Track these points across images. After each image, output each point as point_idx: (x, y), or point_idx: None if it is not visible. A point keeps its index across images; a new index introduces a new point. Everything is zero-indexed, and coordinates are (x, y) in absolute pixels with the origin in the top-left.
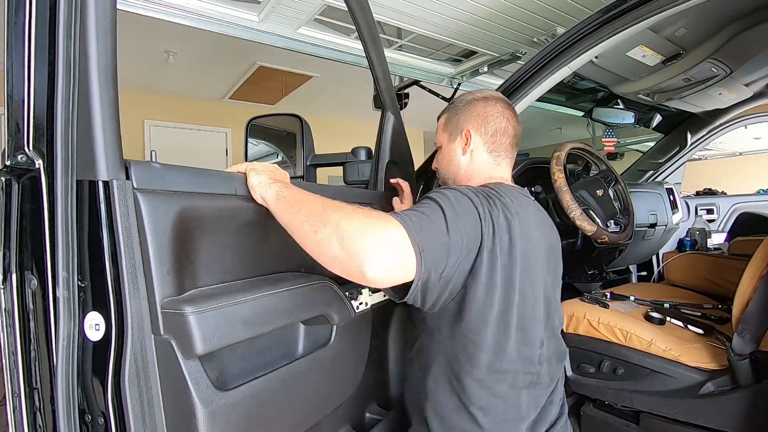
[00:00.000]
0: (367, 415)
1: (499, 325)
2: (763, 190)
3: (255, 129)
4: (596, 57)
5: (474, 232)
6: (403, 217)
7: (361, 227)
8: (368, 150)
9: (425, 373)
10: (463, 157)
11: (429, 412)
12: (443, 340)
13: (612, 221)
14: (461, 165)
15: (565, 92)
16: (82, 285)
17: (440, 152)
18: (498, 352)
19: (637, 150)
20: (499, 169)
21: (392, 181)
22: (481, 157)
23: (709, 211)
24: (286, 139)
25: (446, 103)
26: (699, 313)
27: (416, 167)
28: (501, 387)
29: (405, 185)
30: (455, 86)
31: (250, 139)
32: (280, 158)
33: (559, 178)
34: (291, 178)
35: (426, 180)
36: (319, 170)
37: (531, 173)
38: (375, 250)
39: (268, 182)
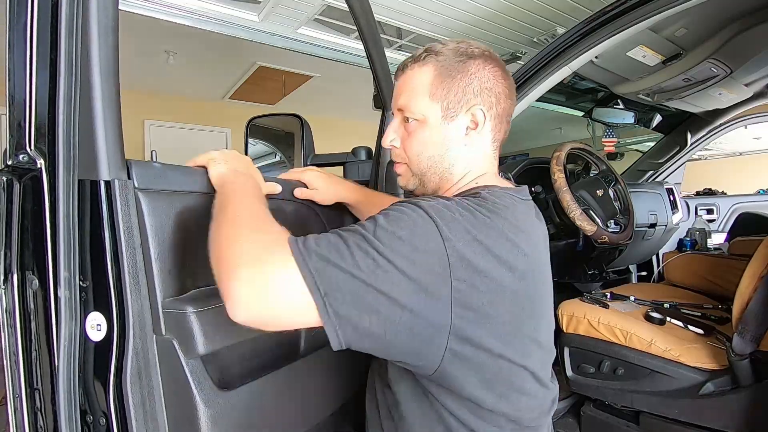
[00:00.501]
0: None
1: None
2: (763, 190)
3: (255, 129)
4: (596, 57)
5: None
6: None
7: (238, 253)
8: (368, 150)
9: None
10: (463, 146)
11: None
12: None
13: (612, 221)
14: (456, 156)
15: (565, 92)
16: (84, 285)
17: (421, 130)
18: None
19: (637, 150)
20: (493, 169)
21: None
22: (484, 147)
23: (709, 211)
24: (286, 138)
25: None
26: (699, 313)
27: None
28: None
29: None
30: None
31: (249, 139)
32: (278, 158)
33: (559, 178)
34: None
35: None
36: None
37: (531, 173)
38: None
39: (223, 173)
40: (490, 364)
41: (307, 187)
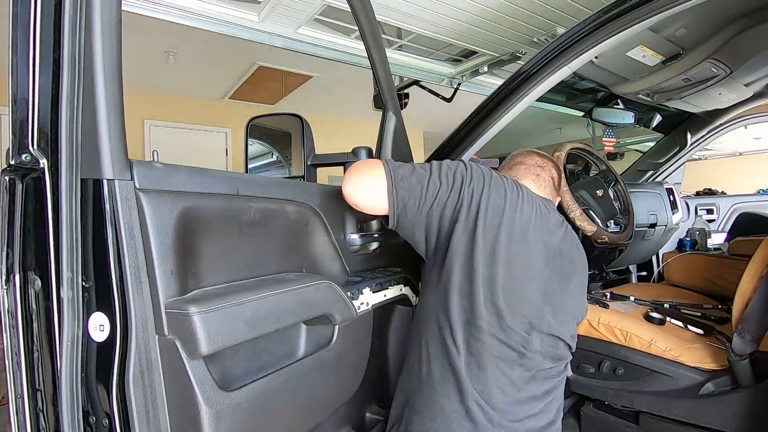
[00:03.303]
0: (368, 415)
1: (472, 276)
2: (763, 190)
3: (255, 129)
4: (596, 57)
5: (455, 187)
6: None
7: (353, 175)
8: (369, 150)
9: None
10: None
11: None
12: (428, 307)
13: (612, 221)
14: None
15: (565, 92)
16: (87, 285)
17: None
18: (469, 300)
19: (637, 150)
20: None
21: None
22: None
23: (709, 211)
24: (286, 139)
25: (446, 103)
26: (699, 313)
27: None
28: (481, 336)
29: None
30: (455, 86)
31: (250, 139)
32: (274, 158)
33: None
34: (291, 177)
35: None
36: (319, 170)
37: None
38: (356, 188)
39: None
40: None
41: None
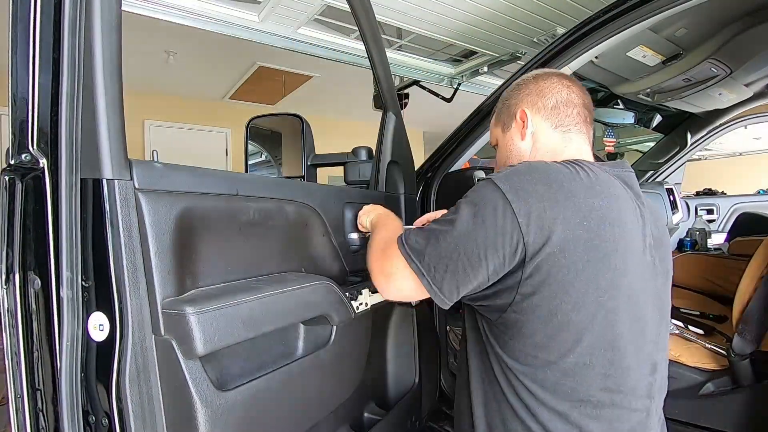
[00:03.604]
0: (366, 415)
1: (579, 335)
2: (763, 190)
3: (256, 129)
4: (596, 57)
5: (503, 238)
6: (404, 246)
7: (374, 264)
8: (369, 150)
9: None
10: (523, 142)
11: None
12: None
13: None
14: (522, 152)
15: None
16: (86, 285)
17: (498, 149)
18: (577, 373)
19: (637, 150)
20: (573, 146)
21: None
22: (546, 137)
23: (709, 212)
24: (286, 139)
25: (446, 103)
26: (699, 313)
27: (416, 167)
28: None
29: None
30: (455, 86)
31: (250, 139)
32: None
33: None
34: (290, 177)
35: (426, 180)
36: (319, 170)
37: None
38: (381, 282)
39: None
40: None
41: None
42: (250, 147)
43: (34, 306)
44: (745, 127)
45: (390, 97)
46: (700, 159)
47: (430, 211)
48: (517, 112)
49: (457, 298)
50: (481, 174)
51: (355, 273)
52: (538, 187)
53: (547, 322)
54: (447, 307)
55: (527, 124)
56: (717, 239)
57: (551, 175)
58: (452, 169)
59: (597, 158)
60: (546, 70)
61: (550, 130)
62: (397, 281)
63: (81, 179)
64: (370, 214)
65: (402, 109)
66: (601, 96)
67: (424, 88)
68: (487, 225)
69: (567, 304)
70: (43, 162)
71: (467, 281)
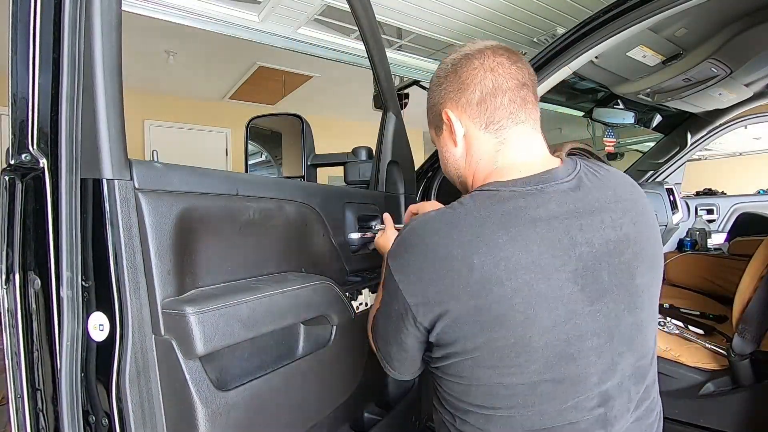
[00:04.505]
0: (366, 415)
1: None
2: (763, 190)
3: (255, 129)
4: (596, 57)
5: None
6: (375, 333)
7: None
8: (369, 150)
9: None
10: (456, 149)
11: None
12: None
13: None
14: (458, 160)
15: (565, 92)
16: (86, 285)
17: (438, 153)
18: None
19: (637, 150)
20: (508, 151)
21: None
22: (479, 141)
23: (709, 211)
24: (286, 139)
25: None
26: (699, 313)
27: (416, 167)
28: None
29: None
30: None
31: (250, 139)
32: (274, 157)
33: None
34: (290, 177)
35: (426, 180)
36: (319, 170)
37: None
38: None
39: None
40: None
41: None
42: (250, 147)
43: (34, 306)
44: (745, 127)
45: (390, 97)
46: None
47: None
48: (442, 112)
49: (420, 365)
50: None
51: (355, 273)
52: (418, 259)
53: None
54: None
55: (454, 127)
56: (717, 239)
57: (427, 238)
58: None
59: (585, 153)
60: (467, 49)
61: (481, 132)
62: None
63: (81, 179)
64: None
65: (402, 109)
66: (601, 96)
67: (424, 88)
68: (391, 309)
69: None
70: (43, 162)
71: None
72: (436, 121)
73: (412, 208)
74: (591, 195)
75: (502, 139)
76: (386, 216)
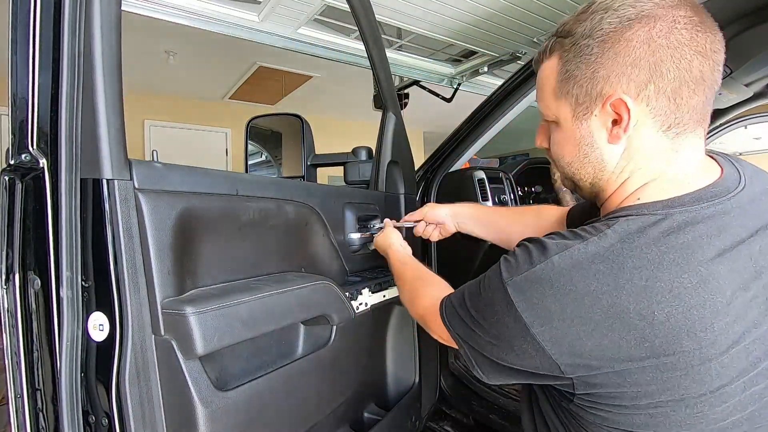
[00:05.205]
0: (366, 415)
1: None
2: None
3: (255, 129)
4: None
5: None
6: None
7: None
8: (369, 150)
9: None
10: (612, 147)
11: None
12: None
13: None
14: (605, 164)
15: None
16: (86, 285)
17: (556, 131)
18: None
19: None
20: (678, 163)
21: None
22: (650, 144)
23: None
24: (286, 139)
25: (446, 103)
26: None
27: (416, 167)
28: None
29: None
30: (455, 86)
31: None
32: (274, 157)
33: (559, 178)
34: (290, 177)
35: (426, 180)
36: (319, 170)
37: (531, 173)
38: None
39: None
40: None
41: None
42: (250, 147)
43: (34, 306)
44: (745, 127)
45: (390, 97)
46: None
47: None
48: (611, 95)
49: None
50: (480, 174)
51: (355, 273)
52: (568, 307)
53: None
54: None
55: (626, 121)
56: None
57: (580, 283)
58: (452, 169)
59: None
60: (657, 4)
61: (659, 133)
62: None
63: (81, 179)
64: (390, 248)
65: (402, 109)
66: None
67: (424, 88)
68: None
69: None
70: (43, 162)
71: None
72: (582, 99)
73: (426, 208)
74: (764, 203)
75: (676, 146)
76: (387, 220)
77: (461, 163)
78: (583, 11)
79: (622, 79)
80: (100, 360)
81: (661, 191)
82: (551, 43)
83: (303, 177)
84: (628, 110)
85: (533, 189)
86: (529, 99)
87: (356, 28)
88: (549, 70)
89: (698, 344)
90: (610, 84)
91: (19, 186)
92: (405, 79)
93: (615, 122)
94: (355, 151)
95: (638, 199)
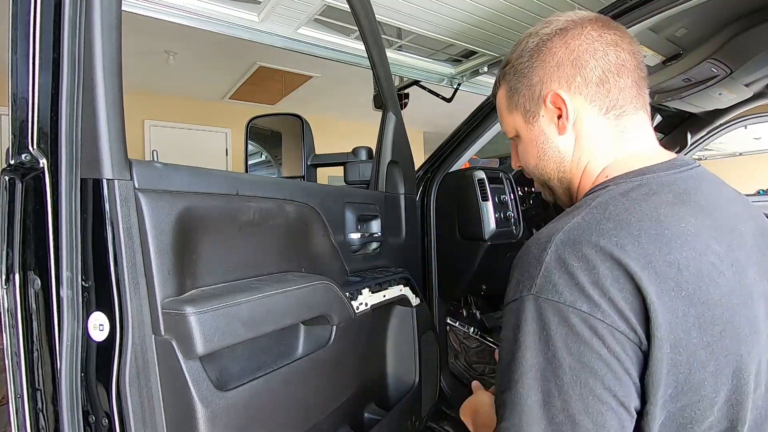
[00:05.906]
0: (366, 415)
1: None
2: (763, 190)
3: (256, 129)
4: None
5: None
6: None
7: None
8: (369, 150)
9: None
10: (562, 138)
11: None
12: None
13: None
14: (563, 154)
15: None
16: (86, 285)
17: (520, 145)
18: None
19: None
20: (630, 141)
21: None
22: (596, 129)
23: None
24: (286, 139)
25: (446, 103)
26: None
27: (416, 167)
28: None
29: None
30: (455, 86)
31: (250, 139)
32: (274, 157)
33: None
34: (290, 177)
35: (426, 180)
36: (319, 170)
37: None
38: None
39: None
40: None
41: None
42: (250, 147)
43: (34, 306)
44: (745, 127)
45: (390, 97)
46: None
47: (429, 212)
48: (548, 94)
49: None
50: (480, 174)
51: (355, 273)
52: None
53: None
54: None
55: (566, 112)
56: None
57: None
58: (452, 169)
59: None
60: (570, 15)
61: (601, 117)
62: None
63: (81, 179)
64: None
65: (402, 109)
66: None
67: (424, 88)
68: None
69: None
70: (43, 162)
71: None
72: (528, 106)
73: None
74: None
75: (622, 127)
76: (475, 383)
77: (461, 163)
78: (515, 44)
79: (553, 78)
80: (100, 360)
81: (627, 166)
82: (498, 77)
83: (303, 177)
84: (564, 102)
85: (533, 189)
86: None
87: (356, 28)
88: (500, 96)
89: (721, 291)
90: (545, 85)
91: (19, 186)
92: (405, 79)
93: (560, 117)
94: (355, 151)
95: (607, 176)
